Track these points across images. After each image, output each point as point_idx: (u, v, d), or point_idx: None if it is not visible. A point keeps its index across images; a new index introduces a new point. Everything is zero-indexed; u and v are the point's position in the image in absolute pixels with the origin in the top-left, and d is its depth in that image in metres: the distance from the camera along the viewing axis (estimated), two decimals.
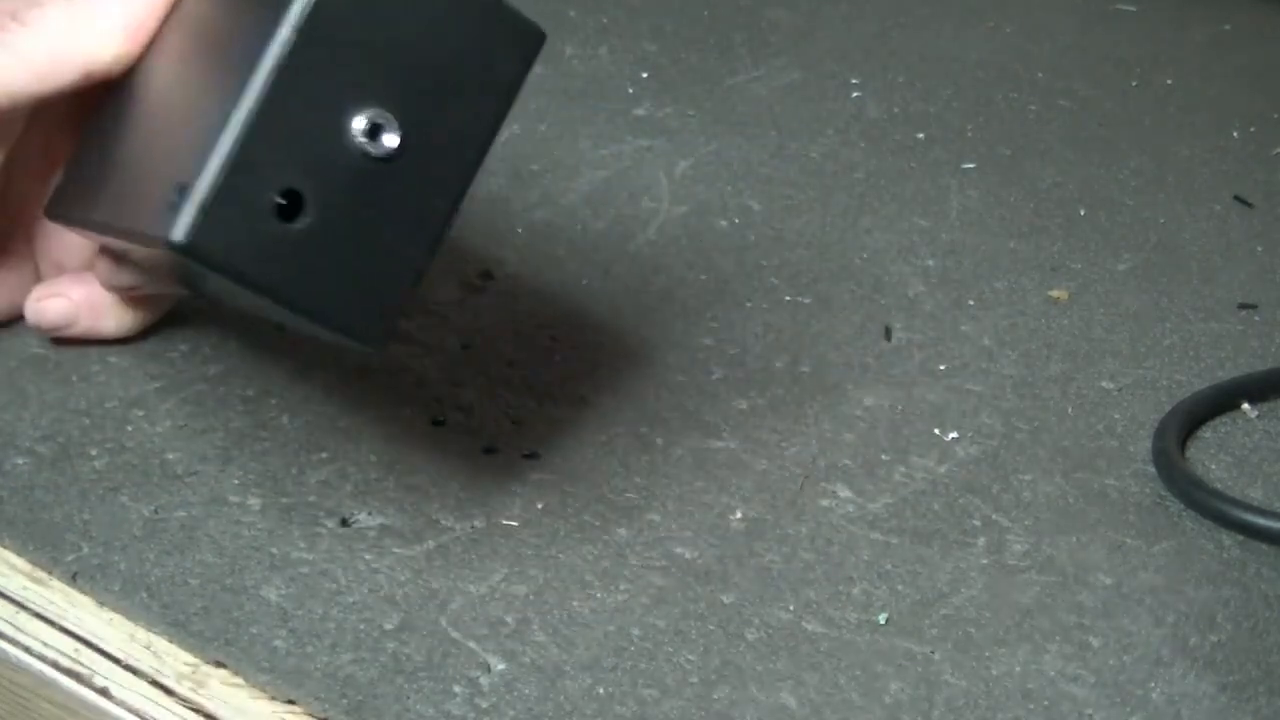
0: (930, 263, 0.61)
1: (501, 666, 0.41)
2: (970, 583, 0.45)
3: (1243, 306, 0.58)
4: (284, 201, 0.38)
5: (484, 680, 0.41)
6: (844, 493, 0.48)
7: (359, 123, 0.39)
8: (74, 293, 0.51)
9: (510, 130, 0.72)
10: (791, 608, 0.43)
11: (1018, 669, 0.41)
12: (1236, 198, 0.67)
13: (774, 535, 0.46)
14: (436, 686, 0.41)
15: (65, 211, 0.48)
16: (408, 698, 0.40)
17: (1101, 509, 0.48)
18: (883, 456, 0.50)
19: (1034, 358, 0.55)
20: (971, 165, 0.69)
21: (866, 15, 0.87)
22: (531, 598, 0.44)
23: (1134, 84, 0.78)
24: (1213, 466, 0.50)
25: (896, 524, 0.47)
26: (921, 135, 0.72)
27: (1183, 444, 0.50)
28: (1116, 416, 0.52)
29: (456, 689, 0.40)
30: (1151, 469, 0.49)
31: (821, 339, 0.51)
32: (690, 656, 0.42)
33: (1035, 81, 0.78)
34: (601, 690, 0.41)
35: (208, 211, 0.37)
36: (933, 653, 0.42)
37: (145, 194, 0.40)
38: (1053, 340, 0.56)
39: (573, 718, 0.40)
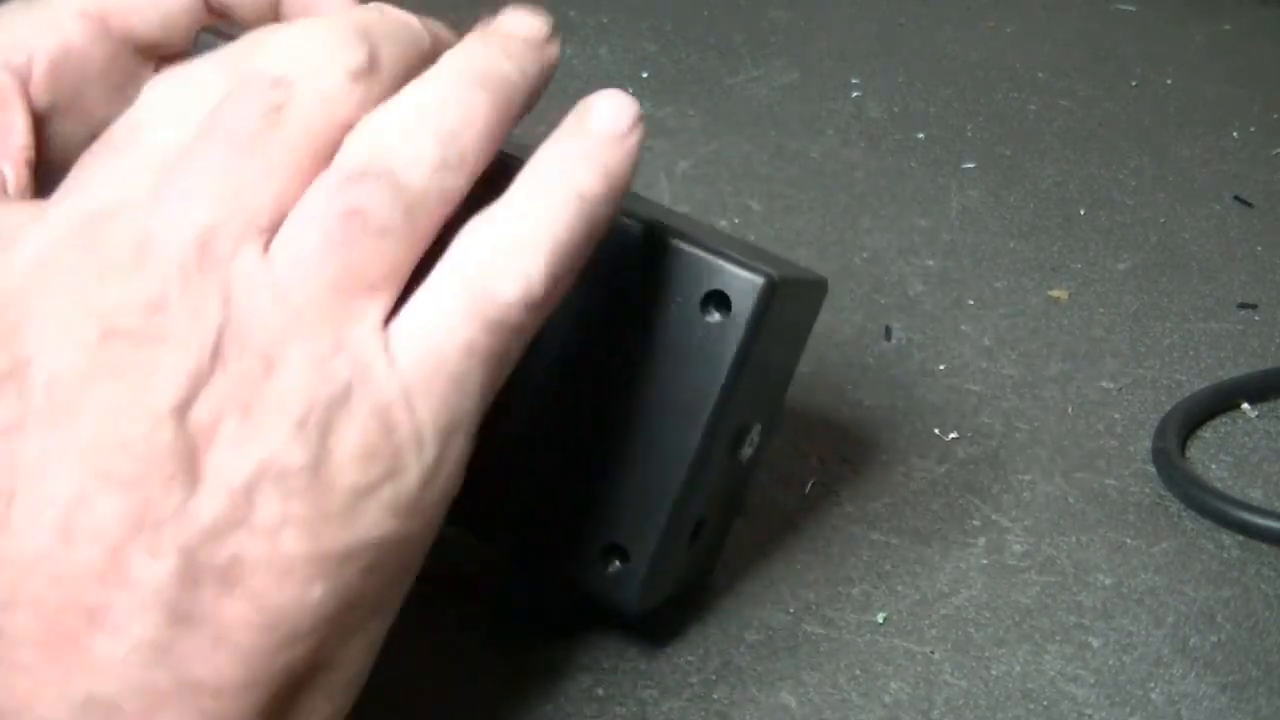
0: (930, 263, 0.61)
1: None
2: (970, 583, 0.44)
3: (1243, 306, 0.58)
4: (695, 533, 0.40)
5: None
6: (844, 493, 0.48)
7: (743, 440, 0.40)
8: None
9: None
10: (791, 609, 0.43)
11: (1018, 669, 0.41)
12: (1236, 198, 0.67)
13: (774, 536, 0.46)
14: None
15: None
16: None
17: (1101, 509, 0.47)
18: (883, 456, 0.50)
19: (1034, 358, 0.55)
20: (971, 165, 0.69)
21: (866, 15, 0.87)
22: None
23: (1134, 84, 0.78)
24: (1213, 466, 0.50)
25: (896, 524, 0.47)
26: (921, 135, 0.72)
27: (1183, 444, 0.50)
28: (1116, 416, 0.52)
29: None
30: (1151, 469, 0.49)
31: (821, 339, 0.51)
32: (690, 658, 0.42)
33: (1035, 81, 0.78)
34: (601, 691, 0.41)
35: (651, 583, 0.39)
36: (932, 653, 0.42)
37: (557, 533, 0.39)
38: (1053, 340, 0.56)
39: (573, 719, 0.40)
